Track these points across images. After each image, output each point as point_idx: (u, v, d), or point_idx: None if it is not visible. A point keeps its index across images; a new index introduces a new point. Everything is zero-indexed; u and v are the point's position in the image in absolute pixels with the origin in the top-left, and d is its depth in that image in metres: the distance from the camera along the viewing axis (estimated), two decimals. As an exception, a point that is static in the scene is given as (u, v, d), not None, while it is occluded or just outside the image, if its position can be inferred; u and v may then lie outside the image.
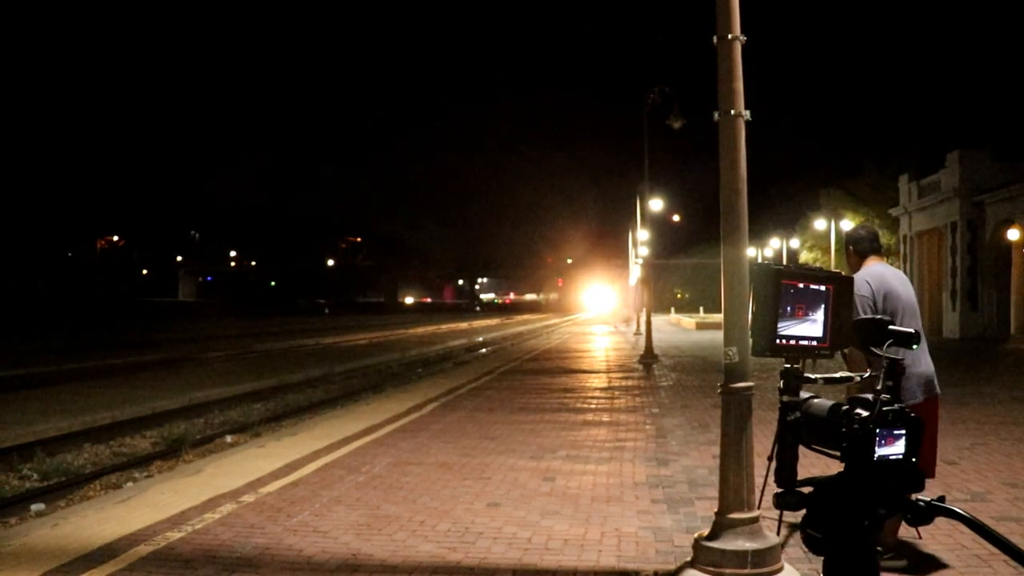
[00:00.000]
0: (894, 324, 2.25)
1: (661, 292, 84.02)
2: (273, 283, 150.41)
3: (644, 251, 28.28)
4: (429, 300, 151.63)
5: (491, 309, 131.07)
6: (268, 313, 79.35)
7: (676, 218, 51.62)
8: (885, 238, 41.36)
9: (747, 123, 4.27)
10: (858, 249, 4.75)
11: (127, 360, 24.33)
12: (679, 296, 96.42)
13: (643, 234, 28.07)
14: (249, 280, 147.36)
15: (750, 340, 2.25)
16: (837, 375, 2.31)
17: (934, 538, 4.83)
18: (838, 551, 2.03)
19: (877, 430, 1.96)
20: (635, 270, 40.99)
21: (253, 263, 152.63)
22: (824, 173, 49.90)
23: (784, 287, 2.15)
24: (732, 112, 4.22)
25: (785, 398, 2.15)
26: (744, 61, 4.28)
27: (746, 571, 4.00)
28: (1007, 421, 9.78)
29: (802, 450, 2.14)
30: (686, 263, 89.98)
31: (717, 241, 4.41)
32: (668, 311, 70.71)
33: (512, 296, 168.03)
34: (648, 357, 19.76)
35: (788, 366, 2.18)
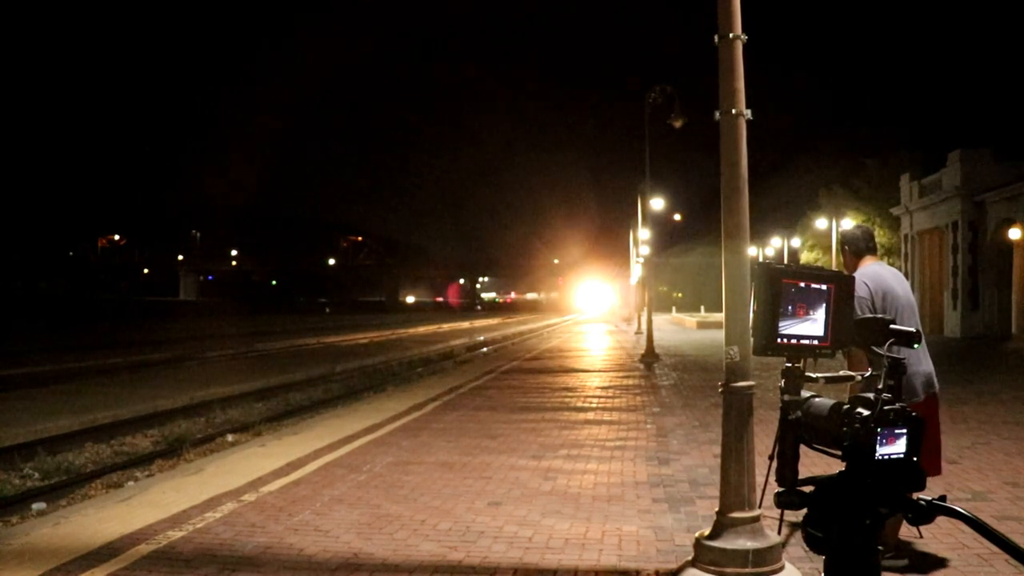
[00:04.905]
0: (895, 323, 2.25)
1: (661, 291, 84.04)
2: (274, 282, 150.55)
3: (645, 250, 28.27)
4: (440, 299, 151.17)
5: (492, 308, 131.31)
6: (269, 312, 79.31)
7: (677, 217, 51.59)
8: (886, 237, 41.39)
9: (748, 122, 4.27)
10: (853, 249, 4.75)
11: (128, 359, 24.35)
12: (678, 296, 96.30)
13: (644, 233, 28.05)
14: (250, 279, 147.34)
15: (751, 339, 2.24)
16: (839, 374, 2.31)
17: (935, 537, 4.83)
18: (839, 550, 2.02)
19: (878, 429, 1.96)
20: (636, 269, 40.95)
21: (254, 262, 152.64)
22: (825, 172, 49.80)
23: (785, 286, 2.15)
24: (733, 111, 4.22)
25: (786, 397, 2.15)
26: (745, 60, 4.28)
27: (747, 570, 4.00)
28: (1008, 420, 9.77)
29: (803, 449, 2.14)
30: (686, 262, 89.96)
31: (717, 239, 4.41)
32: (669, 310, 70.68)
33: (513, 295, 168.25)
34: (649, 356, 19.75)
35: (789, 365, 2.18)
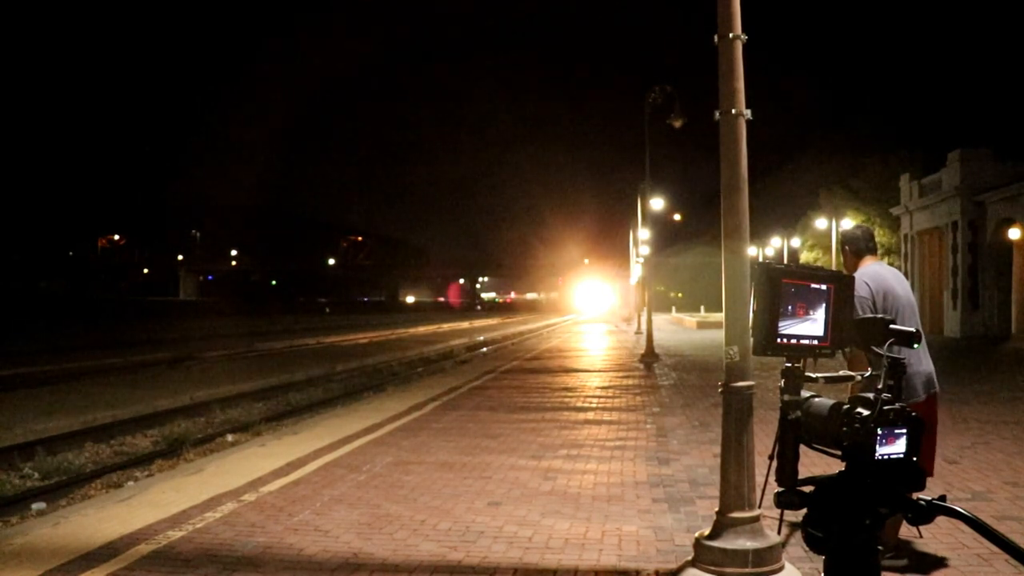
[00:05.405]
0: (895, 323, 2.25)
1: (660, 291, 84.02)
2: (274, 282, 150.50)
3: (645, 250, 28.26)
4: (440, 299, 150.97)
5: (492, 308, 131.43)
6: (269, 312, 79.23)
7: (677, 217, 51.55)
8: (886, 237, 41.39)
9: (748, 122, 4.27)
10: (854, 249, 4.75)
11: (128, 359, 24.34)
12: (677, 295, 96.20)
13: (644, 233, 28.05)
14: (250, 279, 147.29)
15: (751, 339, 2.24)
16: (839, 374, 2.31)
17: (935, 537, 4.83)
18: (839, 550, 2.02)
19: (878, 429, 1.96)
20: (636, 269, 40.93)
21: (254, 262, 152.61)
22: (825, 172, 49.82)
23: (785, 286, 2.15)
24: (733, 111, 4.22)
25: (786, 397, 2.15)
26: (745, 60, 4.28)
27: (747, 570, 4.00)
28: (1008, 420, 9.77)
29: (803, 449, 2.14)
30: (685, 262, 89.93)
31: (717, 239, 4.41)
32: (669, 310, 70.68)
33: (513, 295, 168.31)
34: (649, 356, 19.76)
35: (789, 365, 2.18)
